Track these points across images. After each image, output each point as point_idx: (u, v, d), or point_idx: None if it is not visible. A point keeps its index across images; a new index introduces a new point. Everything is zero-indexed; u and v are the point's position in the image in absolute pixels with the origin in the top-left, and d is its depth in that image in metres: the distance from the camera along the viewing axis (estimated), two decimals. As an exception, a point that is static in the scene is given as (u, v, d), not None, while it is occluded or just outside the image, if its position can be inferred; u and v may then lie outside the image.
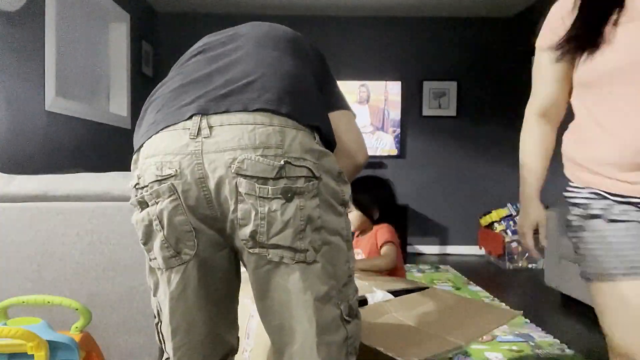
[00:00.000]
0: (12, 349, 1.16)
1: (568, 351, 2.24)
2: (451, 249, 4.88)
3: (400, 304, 1.15)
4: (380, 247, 1.85)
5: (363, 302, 1.16)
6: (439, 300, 1.21)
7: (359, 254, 1.90)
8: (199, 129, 0.83)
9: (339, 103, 1.10)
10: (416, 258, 4.53)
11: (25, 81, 2.52)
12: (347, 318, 0.88)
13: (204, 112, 0.85)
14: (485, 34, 4.87)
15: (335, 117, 1.03)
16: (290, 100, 0.88)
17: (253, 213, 0.82)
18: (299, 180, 0.83)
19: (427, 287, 1.32)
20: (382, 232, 1.87)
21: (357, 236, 1.97)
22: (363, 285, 1.53)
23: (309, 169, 0.83)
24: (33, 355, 1.12)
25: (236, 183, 0.82)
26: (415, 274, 3.84)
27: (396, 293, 1.24)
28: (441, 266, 4.23)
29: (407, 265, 4.17)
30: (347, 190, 0.91)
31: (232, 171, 0.81)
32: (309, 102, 0.92)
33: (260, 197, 0.82)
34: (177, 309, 0.93)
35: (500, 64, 4.84)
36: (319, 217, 0.85)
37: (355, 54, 4.81)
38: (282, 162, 0.81)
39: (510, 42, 4.83)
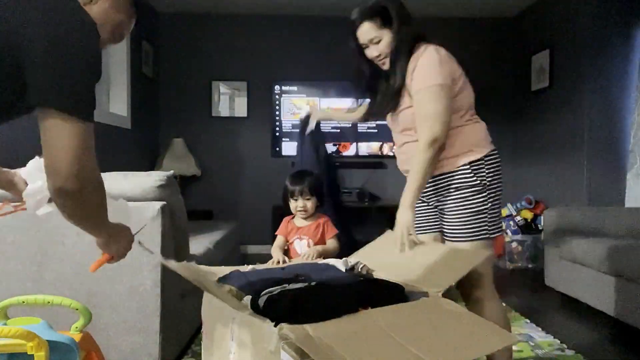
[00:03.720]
0: (12, 348, 1.16)
1: (568, 351, 2.24)
2: (451, 249, 4.86)
3: (391, 314, 1.11)
4: (330, 238, 2.00)
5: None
6: (435, 313, 1.17)
7: (304, 239, 1.99)
8: None
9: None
10: (416, 258, 4.52)
11: (25, 81, 2.52)
12: None
13: None
14: (486, 34, 4.87)
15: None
16: None
17: None
18: None
19: (426, 293, 1.30)
20: (329, 225, 2.02)
21: (292, 220, 2.06)
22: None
23: None
24: (33, 355, 1.12)
25: None
26: (415, 274, 3.84)
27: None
28: (441, 266, 4.22)
29: (407, 265, 4.17)
30: None
31: None
32: None
33: None
34: None
35: (500, 64, 4.84)
36: None
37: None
38: None
39: (510, 42, 4.83)
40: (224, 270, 1.48)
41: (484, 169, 1.57)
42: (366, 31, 1.60)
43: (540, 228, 4.04)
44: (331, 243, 1.98)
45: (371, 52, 1.63)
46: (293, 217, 2.07)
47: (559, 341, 2.36)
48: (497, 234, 1.60)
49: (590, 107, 3.67)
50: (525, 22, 4.63)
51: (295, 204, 2.01)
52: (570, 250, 2.89)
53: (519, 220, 4.10)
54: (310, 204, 1.99)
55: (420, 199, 1.66)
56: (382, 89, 1.67)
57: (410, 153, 1.60)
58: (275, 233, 2.05)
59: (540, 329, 2.54)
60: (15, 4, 0.87)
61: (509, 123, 4.80)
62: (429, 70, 1.51)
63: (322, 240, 1.98)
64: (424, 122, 1.52)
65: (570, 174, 3.86)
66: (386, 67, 1.64)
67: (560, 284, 3.05)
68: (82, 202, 0.94)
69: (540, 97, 4.33)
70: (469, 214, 1.55)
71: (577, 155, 3.78)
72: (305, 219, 2.04)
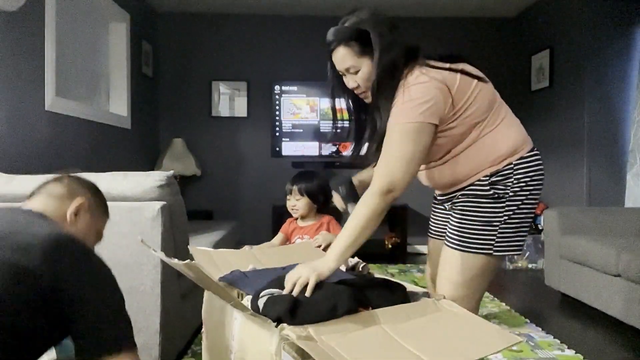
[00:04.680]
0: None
1: (568, 351, 2.24)
2: (451, 249, 4.86)
3: (392, 315, 1.11)
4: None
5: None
6: (437, 314, 1.16)
7: (305, 238, 2.03)
8: None
9: None
10: (416, 258, 4.52)
11: (25, 81, 2.52)
12: None
13: None
14: (485, 34, 4.87)
15: None
16: None
17: None
18: None
19: (427, 292, 1.29)
20: (335, 224, 2.05)
21: (295, 220, 2.12)
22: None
23: None
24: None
25: None
26: (415, 274, 3.84)
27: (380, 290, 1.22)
28: (441, 266, 4.21)
29: (407, 265, 4.17)
30: None
31: None
32: None
33: None
34: None
35: (500, 64, 4.84)
36: None
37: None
38: None
39: (510, 42, 4.83)
40: (228, 257, 1.48)
41: (511, 178, 1.36)
42: (341, 58, 1.36)
43: (540, 228, 4.04)
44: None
45: (348, 83, 1.41)
46: (297, 218, 2.13)
47: (559, 341, 2.36)
48: (503, 254, 1.38)
49: (590, 107, 3.67)
50: (525, 22, 4.63)
51: (288, 203, 2.10)
52: (570, 250, 2.89)
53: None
54: (300, 204, 2.06)
55: (440, 202, 1.60)
56: (368, 132, 1.44)
57: (436, 172, 1.45)
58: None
59: (540, 329, 2.54)
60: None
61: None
62: (409, 104, 1.27)
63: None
64: (385, 165, 1.29)
65: (570, 174, 3.86)
66: (368, 100, 1.41)
67: (560, 284, 3.05)
68: None
69: (540, 97, 4.33)
70: (477, 223, 1.37)
71: (577, 155, 3.78)
72: (303, 218, 2.10)
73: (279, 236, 2.12)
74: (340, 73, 1.42)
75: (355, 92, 1.43)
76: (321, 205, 2.10)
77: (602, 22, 3.63)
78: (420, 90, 1.27)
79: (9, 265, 0.87)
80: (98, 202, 1.25)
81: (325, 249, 1.69)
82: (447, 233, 1.46)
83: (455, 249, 1.40)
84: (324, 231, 1.98)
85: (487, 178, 1.37)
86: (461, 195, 1.44)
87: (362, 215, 1.26)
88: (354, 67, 1.36)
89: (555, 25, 4.12)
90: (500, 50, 4.86)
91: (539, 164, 1.40)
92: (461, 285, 1.39)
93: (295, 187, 2.06)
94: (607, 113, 3.64)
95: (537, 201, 1.40)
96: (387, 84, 1.32)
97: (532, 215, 1.41)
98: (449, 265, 1.43)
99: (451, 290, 1.39)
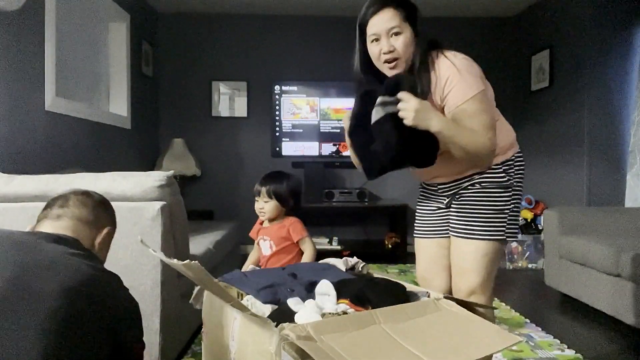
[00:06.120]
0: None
1: (568, 351, 2.24)
2: (451, 249, 4.86)
3: (392, 315, 1.11)
4: (298, 241, 1.97)
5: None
6: (437, 314, 1.16)
7: (267, 240, 1.99)
8: None
9: None
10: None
11: (25, 81, 2.52)
12: None
13: None
14: (485, 34, 4.87)
15: None
16: None
17: None
18: None
19: (427, 292, 1.29)
20: (295, 227, 1.97)
21: (261, 224, 2.05)
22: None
23: None
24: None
25: None
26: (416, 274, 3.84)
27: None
28: (441, 266, 4.21)
29: (407, 265, 4.17)
30: None
31: None
32: None
33: None
34: None
35: (500, 64, 4.84)
36: None
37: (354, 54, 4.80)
38: None
39: (510, 42, 4.83)
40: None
41: (512, 169, 1.50)
42: (388, 18, 1.39)
43: (540, 228, 4.04)
44: (306, 249, 1.97)
45: (382, 46, 1.40)
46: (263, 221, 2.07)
47: (559, 341, 2.36)
48: (511, 239, 1.52)
49: (590, 107, 3.67)
50: (525, 22, 4.63)
51: (256, 204, 2.02)
52: (570, 250, 2.89)
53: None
54: (268, 207, 1.97)
55: (435, 200, 1.63)
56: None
57: (446, 156, 1.46)
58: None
59: (540, 329, 2.54)
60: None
61: (509, 123, 4.79)
62: (469, 77, 1.37)
63: (285, 241, 1.97)
64: (488, 131, 1.36)
65: (570, 174, 3.86)
66: (397, 70, 1.42)
67: (560, 284, 3.05)
68: None
69: (540, 97, 4.33)
70: (492, 211, 1.46)
71: (577, 155, 3.78)
72: (273, 220, 2.02)
73: (254, 249, 2.07)
74: (374, 37, 1.42)
75: (386, 57, 1.41)
76: (290, 209, 2.01)
77: (602, 22, 3.63)
78: (469, 65, 1.39)
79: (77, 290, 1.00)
80: (115, 226, 1.39)
81: None
82: (456, 225, 1.53)
83: (471, 238, 1.49)
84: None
85: (499, 167, 1.48)
86: (470, 185, 1.50)
87: (470, 140, 1.34)
88: (398, 27, 1.39)
89: (555, 25, 4.12)
90: (500, 50, 4.86)
91: (524, 163, 1.58)
92: (481, 272, 1.49)
93: (263, 189, 1.96)
94: (607, 113, 3.64)
95: (521, 195, 1.56)
96: (424, 58, 1.39)
97: (521, 202, 1.57)
98: (465, 254, 1.51)
99: (472, 277, 1.49)
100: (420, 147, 1.36)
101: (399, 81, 1.36)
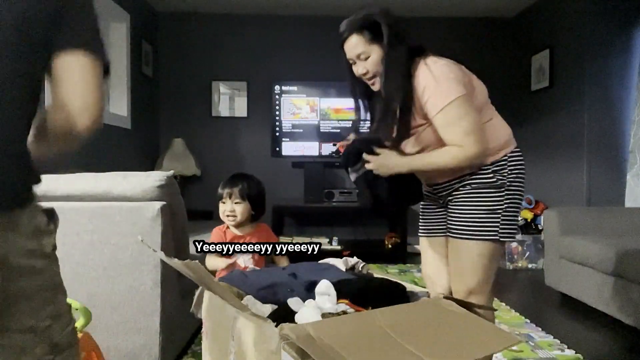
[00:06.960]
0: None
1: (568, 351, 2.24)
2: (451, 249, 4.86)
3: (392, 315, 1.11)
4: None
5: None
6: (436, 314, 1.16)
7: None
8: None
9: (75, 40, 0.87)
10: (416, 258, 4.52)
11: (25, 81, 2.52)
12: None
13: None
14: (485, 34, 4.87)
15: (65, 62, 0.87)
16: None
17: None
18: None
19: (427, 292, 1.29)
20: (270, 235, 1.98)
21: (227, 229, 1.93)
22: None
23: None
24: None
25: None
26: (416, 274, 3.84)
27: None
28: (441, 266, 4.21)
29: (407, 265, 4.17)
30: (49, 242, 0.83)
31: None
32: None
33: None
34: None
35: (500, 64, 4.84)
36: None
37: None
38: None
39: (510, 42, 4.82)
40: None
41: (506, 169, 1.49)
42: (353, 45, 1.49)
43: (540, 228, 4.04)
44: (282, 258, 1.93)
45: (358, 69, 1.52)
46: (228, 227, 1.93)
47: (559, 341, 2.36)
48: (507, 239, 1.50)
49: (590, 107, 3.67)
50: (525, 22, 4.63)
51: (223, 208, 1.88)
52: (570, 250, 2.89)
53: (519, 220, 4.10)
54: (240, 209, 1.86)
55: (432, 199, 1.66)
56: (378, 113, 1.55)
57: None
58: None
59: (540, 329, 2.54)
60: None
61: (509, 123, 4.75)
62: (446, 84, 1.38)
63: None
64: (468, 137, 1.38)
65: (570, 174, 3.86)
66: (376, 87, 1.52)
67: (560, 284, 3.05)
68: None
69: (540, 97, 4.33)
70: (483, 212, 1.47)
71: (577, 155, 3.78)
72: (241, 226, 1.90)
73: (213, 257, 1.89)
74: (350, 61, 1.54)
75: (364, 78, 1.53)
76: (259, 213, 1.92)
77: (602, 22, 3.63)
78: (447, 71, 1.40)
79: None
80: None
81: None
82: (451, 226, 1.53)
83: (464, 238, 1.49)
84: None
85: (489, 167, 1.48)
86: (461, 186, 1.51)
87: (443, 160, 1.42)
88: (364, 53, 1.48)
89: (555, 25, 4.12)
90: (500, 50, 4.86)
91: (522, 158, 1.56)
92: (477, 272, 1.50)
93: (235, 190, 1.85)
94: (607, 113, 3.64)
95: (524, 189, 1.55)
96: (398, 69, 1.43)
97: (521, 203, 1.55)
98: (460, 254, 1.52)
99: (468, 277, 1.50)
100: (404, 187, 1.53)
101: (357, 149, 1.53)
